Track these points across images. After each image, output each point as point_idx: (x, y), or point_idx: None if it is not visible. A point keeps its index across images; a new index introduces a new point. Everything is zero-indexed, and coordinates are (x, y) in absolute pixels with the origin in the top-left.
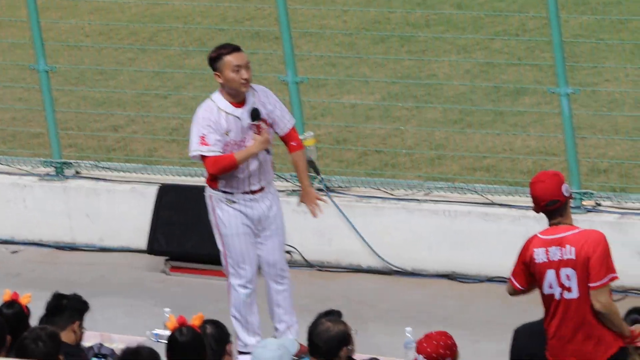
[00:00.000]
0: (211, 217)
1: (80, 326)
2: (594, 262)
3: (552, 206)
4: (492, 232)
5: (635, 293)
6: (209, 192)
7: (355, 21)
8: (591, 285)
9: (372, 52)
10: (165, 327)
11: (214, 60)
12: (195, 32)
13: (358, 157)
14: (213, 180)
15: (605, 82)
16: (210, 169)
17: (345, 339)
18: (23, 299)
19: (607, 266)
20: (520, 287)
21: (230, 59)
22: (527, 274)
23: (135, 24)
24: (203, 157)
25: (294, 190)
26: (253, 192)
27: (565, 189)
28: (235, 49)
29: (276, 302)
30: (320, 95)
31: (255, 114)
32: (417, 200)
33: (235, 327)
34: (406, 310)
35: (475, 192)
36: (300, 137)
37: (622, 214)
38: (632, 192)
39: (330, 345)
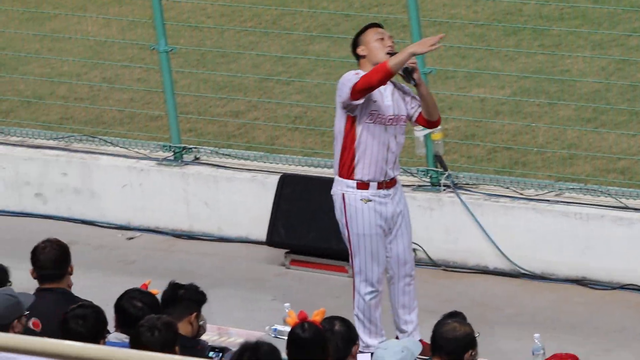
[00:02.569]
0: (340, 216)
1: (197, 318)
2: None
3: None
4: (625, 237)
5: None
6: (342, 189)
7: (486, 12)
8: None
9: (504, 45)
10: (285, 323)
11: (358, 36)
12: (321, 17)
13: (487, 153)
14: (349, 169)
15: None
16: (365, 79)
17: (471, 341)
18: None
19: None
20: None
21: (373, 29)
22: None
23: (259, 6)
24: (356, 85)
25: (419, 186)
26: (387, 186)
27: None
28: (378, 24)
29: (402, 303)
30: (449, 87)
31: (407, 71)
32: (548, 201)
33: (357, 326)
34: (534, 316)
35: (609, 194)
36: (428, 130)
37: None
38: None
39: (455, 346)
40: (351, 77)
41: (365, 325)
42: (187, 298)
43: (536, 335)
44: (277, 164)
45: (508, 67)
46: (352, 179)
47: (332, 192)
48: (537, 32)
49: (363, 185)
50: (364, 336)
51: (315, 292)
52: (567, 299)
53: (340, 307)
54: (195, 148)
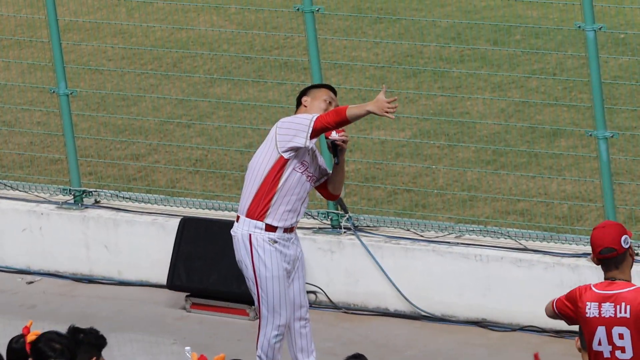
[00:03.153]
0: (245, 258)
1: None
2: None
3: (608, 254)
4: (524, 279)
5: None
6: (249, 229)
7: (387, 54)
8: None
9: (404, 87)
10: None
11: (313, 87)
12: (221, 59)
13: (387, 195)
14: (262, 212)
15: None
16: (324, 119)
17: None
18: (30, 336)
19: None
20: (557, 312)
21: (328, 91)
22: (570, 312)
23: (159, 48)
24: (315, 124)
25: (320, 228)
26: (290, 230)
27: (624, 239)
28: (334, 90)
29: (300, 346)
30: (350, 129)
31: (337, 149)
32: (448, 243)
33: None
34: (434, 358)
35: (509, 236)
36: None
37: None
38: None
39: None
40: (303, 119)
41: None
42: (86, 342)
43: None
44: (178, 207)
45: (408, 109)
46: (262, 221)
47: (234, 232)
48: (437, 74)
49: (271, 228)
50: None
51: (217, 336)
52: (467, 341)
53: (242, 350)
54: (95, 191)
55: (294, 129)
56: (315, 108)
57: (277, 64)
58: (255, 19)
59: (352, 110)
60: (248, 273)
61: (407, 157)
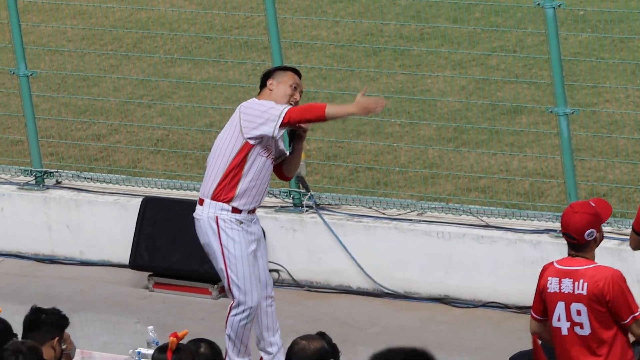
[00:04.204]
0: (212, 241)
1: (60, 342)
2: (614, 304)
3: (568, 239)
4: (486, 256)
5: None
6: (215, 212)
7: (347, 33)
8: (622, 323)
9: (365, 66)
10: (149, 346)
11: (278, 69)
12: (181, 39)
13: (349, 174)
14: (228, 195)
15: (605, 102)
16: (301, 114)
17: (323, 355)
18: None
19: (629, 304)
20: (537, 317)
21: (294, 76)
22: (543, 302)
23: (119, 29)
24: (291, 115)
25: (282, 207)
26: (253, 211)
27: (589, 234)
28: (300, 74)
29: (265, 324)
30: None
31: (295, 136)
32: (410, 220)
33: (227, 346)
34: (397, 335)
35: (470, 213)
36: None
37: (622, 240)
38: (632, 217)
39: None
40: (273, 109)
41: (236, 345)
42: (49, 322)
43: None
44: (140, 187)
45: (369, 88)
46: (228, 204)
47: (198, 216)
48: (397, 52)
49: (237, 210)
50: (233, 356)
51: (180, 315)
52: (430, 318)
53: (205, 329)
54: (56, 172)
55: (261, 117)
56: (280, 92)
57: (238, 44)
58: None
59: (332, 110)
60: (216, 255)
61: (369, 135)
